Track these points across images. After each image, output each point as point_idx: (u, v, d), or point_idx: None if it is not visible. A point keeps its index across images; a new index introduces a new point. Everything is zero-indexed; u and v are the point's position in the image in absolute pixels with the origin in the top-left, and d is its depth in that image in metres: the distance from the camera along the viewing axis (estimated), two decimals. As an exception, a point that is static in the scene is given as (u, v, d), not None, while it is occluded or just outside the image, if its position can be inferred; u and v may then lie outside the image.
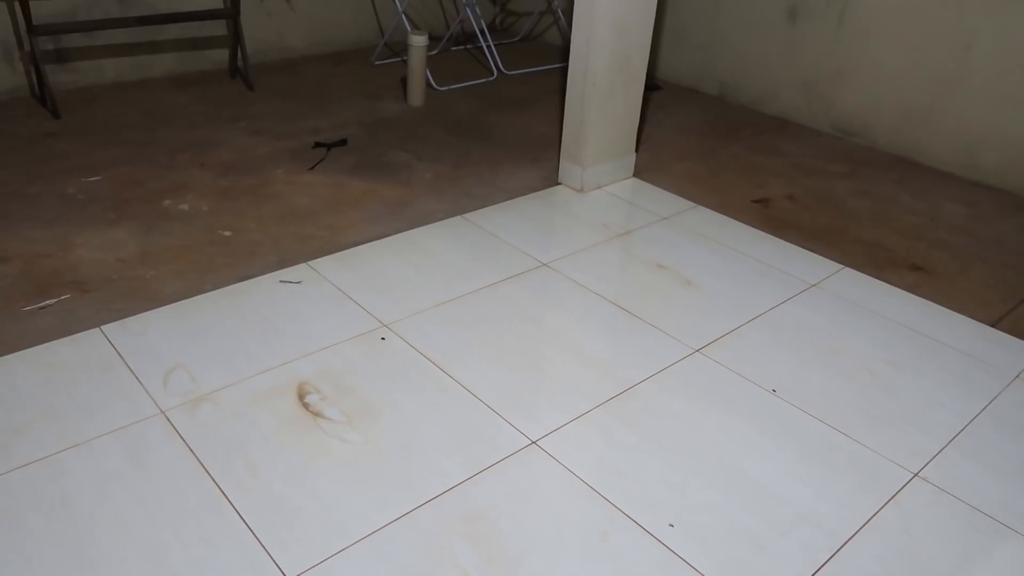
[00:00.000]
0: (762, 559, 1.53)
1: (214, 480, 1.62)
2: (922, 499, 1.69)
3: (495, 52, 4.27)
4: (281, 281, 2.30)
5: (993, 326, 2.30)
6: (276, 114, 3.51)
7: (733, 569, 1.50)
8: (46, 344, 1.99)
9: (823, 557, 1.54)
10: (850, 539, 1.58)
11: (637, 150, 3.18)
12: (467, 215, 2.74)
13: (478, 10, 4.41)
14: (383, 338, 2.08)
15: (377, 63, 4.26)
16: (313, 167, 3.04)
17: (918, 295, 2.43)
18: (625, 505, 1.62)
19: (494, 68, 4.22)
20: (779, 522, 1.61)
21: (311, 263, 2.40)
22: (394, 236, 2.58)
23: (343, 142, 3.24)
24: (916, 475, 1.75)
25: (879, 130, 3.50)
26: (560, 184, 3.02)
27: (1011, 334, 2.27)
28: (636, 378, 2.00)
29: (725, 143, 3.51)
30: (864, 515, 1.64)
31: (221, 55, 4.02)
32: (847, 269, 2.55)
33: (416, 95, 3.70)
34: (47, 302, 2.16)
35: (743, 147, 3.48)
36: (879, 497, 1.69)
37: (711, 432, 1.84)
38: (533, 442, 1.77)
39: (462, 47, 4.63)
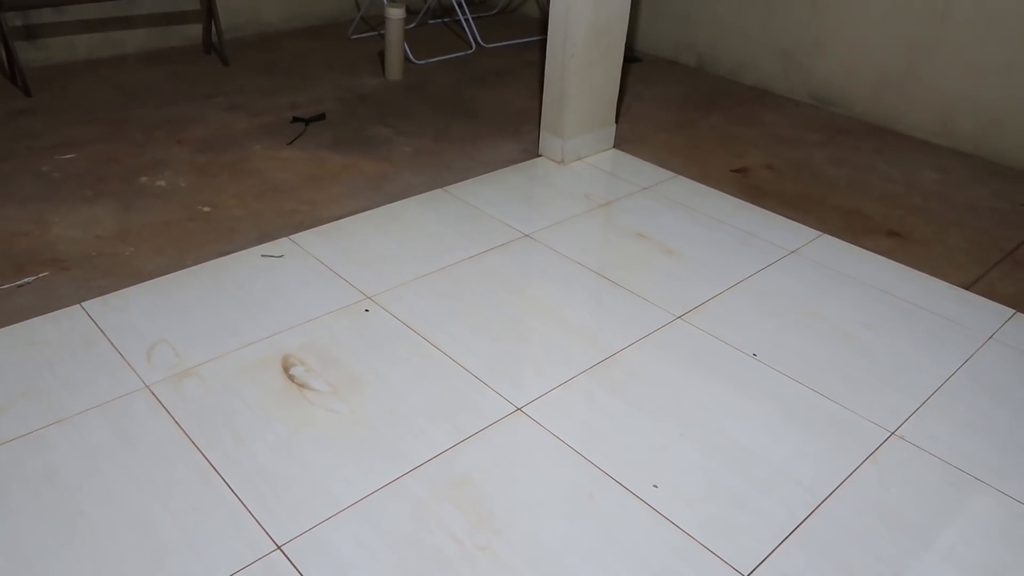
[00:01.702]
0: (744, 516, 1.56)
1: (201, 452, 1.63)
2: (899, 456, 1.73)
3: (473, 25, 4.24)
4: (263, 256, 2.29)
5: (967, 289, 2.35)
6: (252, 90, 3.47)
7: (716, 527, 1.54)
8: (26, 321, 1.98)
9: (803, 513, 1.58)
10: (829, 496, 1.62)
11: (617, 122, 3.18)
12: (448, 188, 2.74)
13: (455, -17, 4.37)
14: (367, 310, 2.09)
15: (354, 37, 4.22)
16: (292, 142, 3.01)
17: (894, 260, 2.47)
18: (610, 468, 1.65)
19: (472, 41, 4.19)
20: (760, 481, 1.65)
21: (292, 237, 2.39)
22: (375, 210, 2.58)
23: (321, 117, 3.22)
24: (893, 433, 1.79)
25: (856, 99, 3.53)
26: (540, 156, 3.02)
27: (985, 296, 2.31)
28: (619, 345, 2.02)
29: (704, 114, 3.52)
30: (843, 473, 1.68)
31: (195, 30, 3.96)
32: (825, 236, 2.58)
33: (394, 69, 3.67)
34: (25, 280, 2.14)
35: (722, 117, 3.49)
36: (857, 455, 1.73)
37: (693, 396, 1.87)
38: (518, 408, 1.79)
39: (439, 20, 4.59)
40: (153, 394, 1.77)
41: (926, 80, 3.29)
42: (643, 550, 1.48)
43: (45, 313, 2.01)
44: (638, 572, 1.44)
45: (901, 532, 1.55)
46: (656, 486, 1.62)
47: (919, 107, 3.34)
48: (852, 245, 2.54)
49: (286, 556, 1.42)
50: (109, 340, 1.93)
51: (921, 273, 2.41)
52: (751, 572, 1.45)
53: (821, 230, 2.61)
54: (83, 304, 2.05)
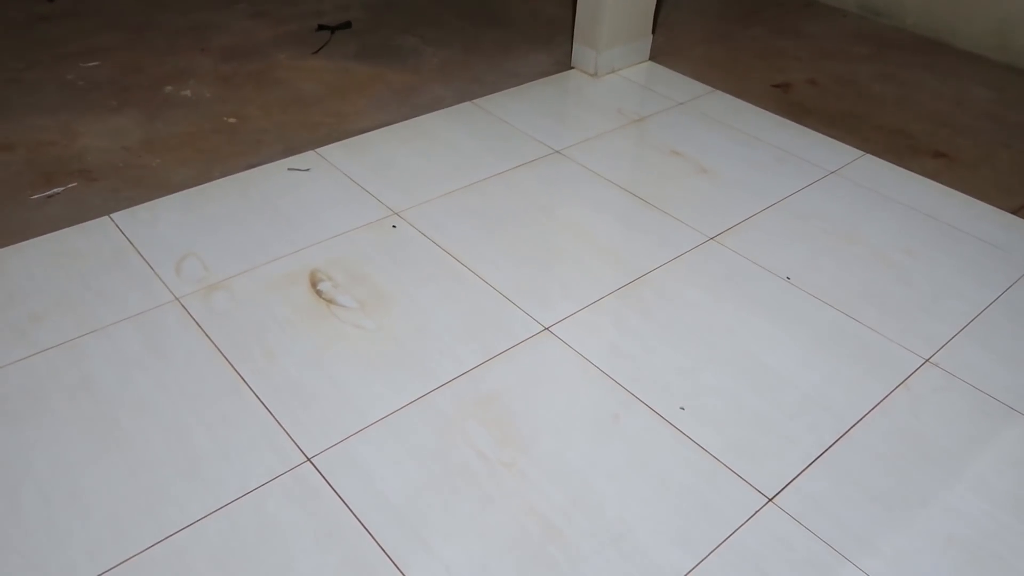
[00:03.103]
0: (770, 440, 1.56)
1: (232, 365, 1.65)
2: (932, 384, 1.71)
3: (504, -73, 4.03)
4: (289, 169, 2.27)
5: (1015, 214, 2.26)
6: (277, -5, 3.37)
7: (741, 449, 1.54)
8: (57, 232, 1.99)
9: (830, 439, 1.57)
10: (858, 422, 1.61)
11: (653, 32, 3.04)
12: (477, 101, 2.66)
13: None
14: (394, 226, 2.07)
15: (380, -60, 4.04)
16: (317, 51, 2.93)
17: (939, 182, 2.37)
18: (637, 389, 1.65)
19: (503, -55, 3.99)
20: (788, 405, 1.63)
21: (319, 150, 2.35)
22: (403, 123, 2.52)
23: (347, 25, 3.12)
24: (927, 361, 1.76)
25: (908, 9, 3.33)
26: (573, 68, 2.91)
27: (1032, 222, 2.23)
28: (649, 266, 1.99)
29: (745, 25, 3.36)
30: (873, 399, 1.66)
31: (216, -68, 3.81)
32: (868, 156, 2.49)
33: (422, -26, 3.53)
34: (55, 190, 2.14)
35: (764, 29, 3.33)
36: (889, 382, 1.70)
37: (724, 319, 1.84)
38: (546, 328, 1.78)
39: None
40: (183, 307, 1.78)
41: (986, -11, 3.09)
42: (668, 471, 1.49)
43: (75, 224, 2.01)
44: (662, 492, 1.45)
45: (931, 460, 1.54)
46: (683, 408, 1.61)
47: (975, 19, 3.15)
48: (895, 166, 2.44)
49: (316, 468, 1.45)
50: (139, 252, 1.93)
51: (967, 196, 2.32)
52: (775, 495, 1.45)
53: (864, 150, 2.51)
54: (112, 216, 2.05)
